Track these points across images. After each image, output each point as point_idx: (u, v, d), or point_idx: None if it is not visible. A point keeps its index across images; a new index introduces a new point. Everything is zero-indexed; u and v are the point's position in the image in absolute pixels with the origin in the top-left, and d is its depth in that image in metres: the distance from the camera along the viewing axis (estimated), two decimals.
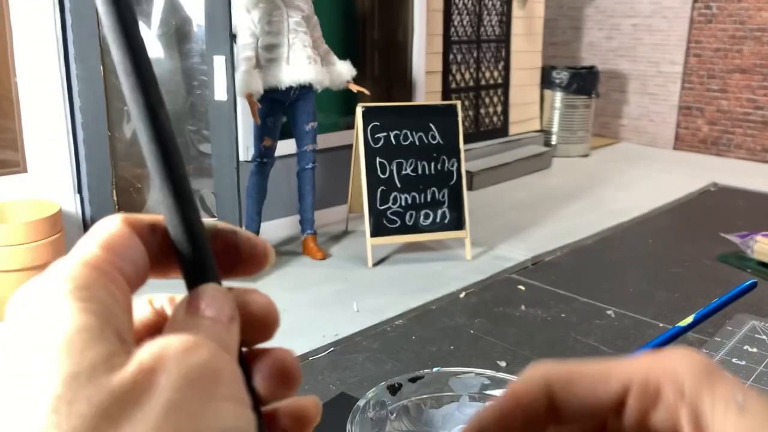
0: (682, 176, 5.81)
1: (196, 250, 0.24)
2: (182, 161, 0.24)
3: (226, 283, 0.26)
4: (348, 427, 0.71)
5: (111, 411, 0.18)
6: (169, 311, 0.27)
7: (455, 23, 5.54)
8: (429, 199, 3.82)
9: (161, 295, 0.28)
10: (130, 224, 0.24)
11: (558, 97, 6.62)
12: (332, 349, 1.36)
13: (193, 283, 0.24)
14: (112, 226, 0.24)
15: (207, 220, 0.25)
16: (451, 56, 5.56)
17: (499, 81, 6.06)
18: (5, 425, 0.18)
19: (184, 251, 0.24)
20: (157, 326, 0.26)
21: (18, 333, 0.20)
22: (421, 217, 3.81)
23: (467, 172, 4.24)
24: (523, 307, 2.10)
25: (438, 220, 3.83)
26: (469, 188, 4.83)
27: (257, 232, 3.67)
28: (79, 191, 3.36)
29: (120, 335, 0.21)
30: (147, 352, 0.20)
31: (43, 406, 0.18)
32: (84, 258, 0.22)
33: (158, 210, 0.26)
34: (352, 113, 3.85)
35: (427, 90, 5.21)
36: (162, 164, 0.24)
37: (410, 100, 5.04)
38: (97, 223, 0.24)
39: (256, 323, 0.26)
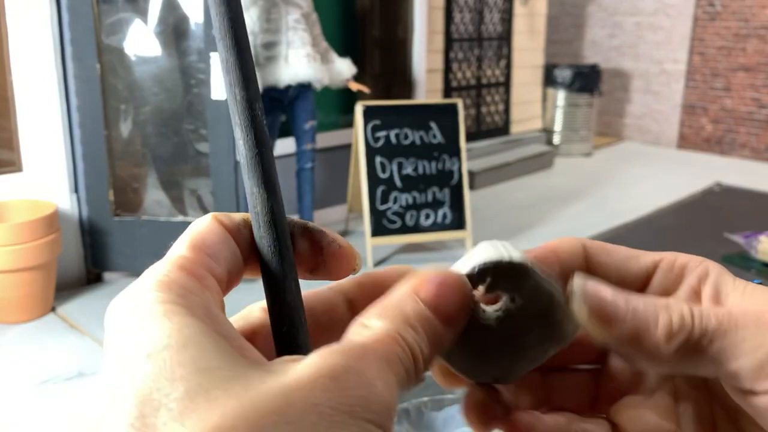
0: (685, 176, 5.77)
1: (275, 240, 0.24)
2: (272, 154, 0.25)
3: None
4: None
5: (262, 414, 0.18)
6: None
7: (456, 20, 5.50)
8: (430, 199, 3.79)
9: None
10: (220, 221, 0.24)
11: (560, 95, 6.59)
12: None
13: (269, 273, 0.24)
14: (202, 224, 0.24)
15: (297, 218, 0.26)
16: (452, 54, 5.52)
17: (501, 79, 6.02)
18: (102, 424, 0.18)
19: (262, 240, 0.24)
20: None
21: (115, 345, 0.20)
22: (422, 218, 3.77)
23: (468, 171, 4.21)
24: None
25: (439, 220, 3.80)
26: (471, 188, 4.80)
27: None
28: (76, 191, 3.33)
29: (227, 334, 0.21)
30: (307, 361, 0.20)
31: (172, 414, 0.18)
32: (174, 261, 0.22)
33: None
34: (352, 112, 3.82)
35: (427, 88, 5.18)
36: (252, 153, 0.24)
37: (411, 99, 5.01)
38: (192, 224, 0.24)
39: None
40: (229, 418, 0.18)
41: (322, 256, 0.26)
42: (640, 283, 0.29)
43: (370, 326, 0.22)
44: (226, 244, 0.24)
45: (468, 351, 0.27)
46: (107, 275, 3.46)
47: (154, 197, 3.52)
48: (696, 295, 0.28)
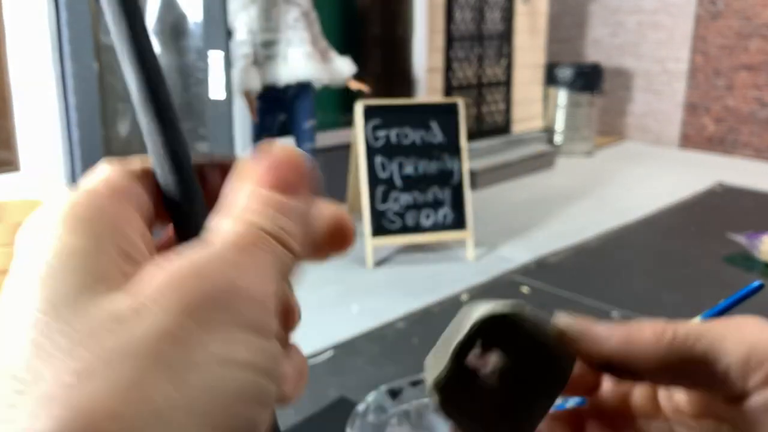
0: (687, 175, 5.75)
1: (180, 183, 0.22)
2: (168, 90, 0.23)
3: None
4: (347, 431, 0.71)
5: (98, 335, 0.17)
6: None
7: (457, 19, 5.48)
8: (430, 199, 3.77)
9: None
10: (123, 168, 0.22)
11: (562, 94, 6.56)
12: (331, 352, 1.33)
13: (180, 225, 0.22)
14: (105, 170, 0.21)
15: (201, 152, 0.21)
16: (453, 53, 5.50)
17: (502, 78, 6.00)
18: None
19: (167, 185, 0.22)
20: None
21: (14, 262, 0.19)
22: (422, 218, 3.76)
23: (469, 171, 4.19)
24: None
25: (439, 220, 3.78)
26: (471, 188, 4.78)
27: None
28: None
29: (125, 253, 0.19)
30: (150, 273, 0.18)
31: (24, 336, 0.17)
32: (89, 184, 0.21)
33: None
34: (352, 111, 3.80)
35: (428, 87, 5.17)
36: (144, 85, 0.22)
37: (411, 98, 4.99)
38: (90, 174, 0.22)
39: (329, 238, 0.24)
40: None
41: None
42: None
43: (216, 230, 0.20)
44: (136, 189, 0.21)
45: (478, 417, 0.26)
46: None
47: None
48: None
